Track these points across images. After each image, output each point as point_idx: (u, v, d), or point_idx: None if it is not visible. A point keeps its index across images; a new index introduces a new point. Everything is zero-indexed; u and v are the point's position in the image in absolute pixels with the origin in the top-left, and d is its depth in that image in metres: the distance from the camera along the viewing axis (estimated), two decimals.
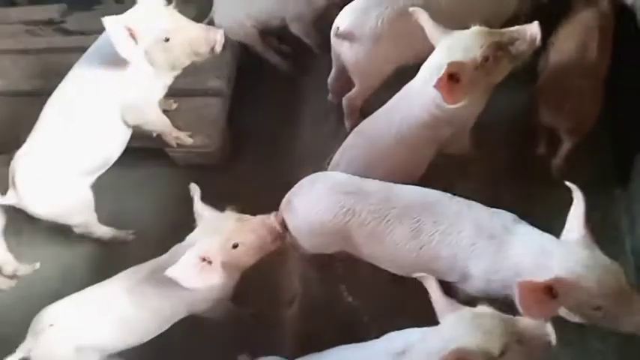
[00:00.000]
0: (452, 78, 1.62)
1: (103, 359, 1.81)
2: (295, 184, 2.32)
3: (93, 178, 2.14)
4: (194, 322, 1.87)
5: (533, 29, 1.69)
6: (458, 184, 2.07)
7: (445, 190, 1.73)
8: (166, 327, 1.81)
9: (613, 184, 2.16)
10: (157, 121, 2.21)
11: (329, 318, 1.68)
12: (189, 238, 1.73)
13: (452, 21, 1.86)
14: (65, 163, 2.02)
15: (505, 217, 1.60)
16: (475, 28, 1.70)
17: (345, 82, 2.23)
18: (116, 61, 1.95)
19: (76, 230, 2.20)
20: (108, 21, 1.86)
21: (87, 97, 2.03)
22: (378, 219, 1.63)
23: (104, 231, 2.24)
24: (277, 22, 2.51)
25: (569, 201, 1.82)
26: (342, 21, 2.02)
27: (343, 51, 2.08)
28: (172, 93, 2.30)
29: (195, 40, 1.98)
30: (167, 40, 1.92)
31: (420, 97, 1.80)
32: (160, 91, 2.16)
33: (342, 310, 1.73)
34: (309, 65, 2.72)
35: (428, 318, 1.44)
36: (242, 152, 2.51)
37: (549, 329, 1.35)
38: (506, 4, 2.12)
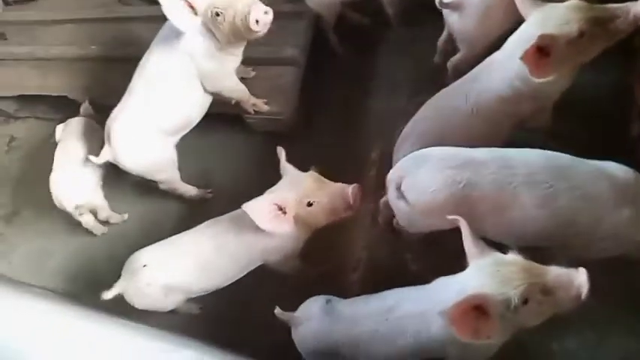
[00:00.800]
0: (541, 51, 1.56)
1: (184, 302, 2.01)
2: (366, 155, 2.39)
3: (177, 139, 2.29)
4: (264, 274, 2.01)
5: (638, 7, 1.58)
6: None
7: None
8: (242, 274, 1.97)
9: None
10: (234, 89, 2.30)
11: (393, 285, 1.73)
12: (272, 189, 1.85)
13: None
14: (152, 123, 2.18)
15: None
16: (574, 1, 1.61)
17: (453, 44, 2.25)
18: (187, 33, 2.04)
19: (161, 187, 2.38)
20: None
21: (168, 65, 2.15)
22: (502, 188, 1.54)
23: (186, 189, 2.41)
24: None
25: None
26: None
27: (453, 19, 2.10)
28: (248, 62, 2.38)
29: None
30: (218, 14, 1.96)
31: (503, 70, 1.77)
32: (233, 60, 2.22)
33: (407, 278, 1.76)
34: (384, 38, 2.73)
35: None
36: (315, 121, 2.58)
37: (582, 279, 1.31)
38: None
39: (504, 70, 1.76)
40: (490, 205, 1.57)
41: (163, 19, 2.05)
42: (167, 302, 1.96)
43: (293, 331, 1.71)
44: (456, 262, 1.91)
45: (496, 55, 1.83)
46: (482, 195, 1.56)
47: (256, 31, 1.99)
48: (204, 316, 2.15)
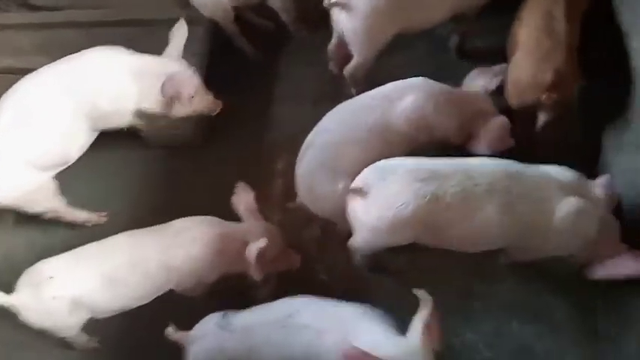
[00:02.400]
0: None
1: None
2: (272, 165, 2.33)
3: (53, 173, 2.10)
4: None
5: None
6: None
7: None
8: (154, 295, 1.84)
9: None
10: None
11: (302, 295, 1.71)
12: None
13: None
14: (20, 156, 1.97)
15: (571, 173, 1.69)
16: None
17: (345, 51, 2.22)
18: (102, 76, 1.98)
19: (45, 217, 2.17)
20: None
21: (48, 100, 1.98)
22: (465, 199, 1.58)
23: (75, 215, 2.22)
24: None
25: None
26: None
27: (340, 20, 2.07)
28: None
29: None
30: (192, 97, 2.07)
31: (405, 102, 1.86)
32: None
33: (316, 287, 1.75)
34: (286, 43, 2.69)
35: (391, 304, 1.53)
36: (218, 131, 2.48)
37: None
38: None
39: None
40: (454, 216, 1.61)
41: (49, 26, 1.88)
42: (69, 321, 1.79)
43: (186, 350, 1.63)
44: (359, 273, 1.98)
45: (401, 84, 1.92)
46: (447, 207, 1.59)
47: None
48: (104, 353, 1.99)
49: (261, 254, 1.71)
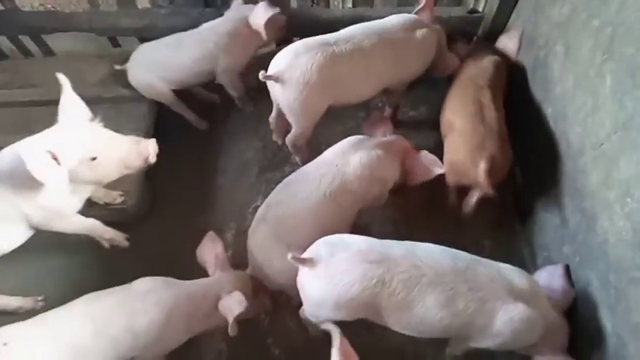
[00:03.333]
0: None
1: None
2: (221, 236, 2.32)
3: None
4: None
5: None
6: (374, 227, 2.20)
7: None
8: None
9: (514, 221, 2.37)
10: (78, 228, 2.06)
11: None
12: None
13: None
14: None
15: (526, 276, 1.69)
16: None
17: (285, 121, 2.29)
18: (27, 180, 1.69)
19: None
20: (25, 149, 1.66)
21: None
22: (409, 287, 1.58)
23: (7, 302, 2.08)
24: (194, 80, 2.52)
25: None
26: (275, 65, 2.08)
27: (276, 93, 2.13)
28: None
29: (125, 155, 1.84)
30: (94, 158, 1.78)
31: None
32: (79, 203, 1.98)
33: None
34: (229, 115, 2.77)
35: None
36: (163, 205, 2.46)
37: None
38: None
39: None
40: (397, 303, 1.60)
41: None
42: None
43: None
44: (314, 344, 1.96)
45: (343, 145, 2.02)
46: (391, 293, 1.59)
47: (149, 164, 1.91)
48: None
49: (243, 312, 1.65)
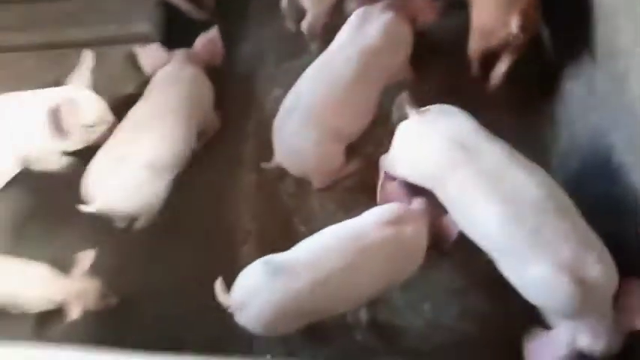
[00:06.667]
0: None
1: None
2: (243, 126, 2.31)
3: None
4: None
5: None
6: None
7: None
8: None
9: (538, 99, 2.27)
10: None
11: (283, 249, 1.73)
12: None
13: None
14: None
15: None
16: None
17: (299, 6, 2.24)
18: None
19: None
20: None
21: None
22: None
23: None
24: None
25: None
26: None
27: None
28: (96, 42, 2.20)
29: None
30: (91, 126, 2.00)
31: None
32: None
33: (297, 240, 1.79)
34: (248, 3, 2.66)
35: None
36: None
37: None
38: None
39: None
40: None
41: None
42: None
43: (237, 318, 1.58)
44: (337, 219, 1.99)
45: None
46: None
47: None
48: None
49: None
